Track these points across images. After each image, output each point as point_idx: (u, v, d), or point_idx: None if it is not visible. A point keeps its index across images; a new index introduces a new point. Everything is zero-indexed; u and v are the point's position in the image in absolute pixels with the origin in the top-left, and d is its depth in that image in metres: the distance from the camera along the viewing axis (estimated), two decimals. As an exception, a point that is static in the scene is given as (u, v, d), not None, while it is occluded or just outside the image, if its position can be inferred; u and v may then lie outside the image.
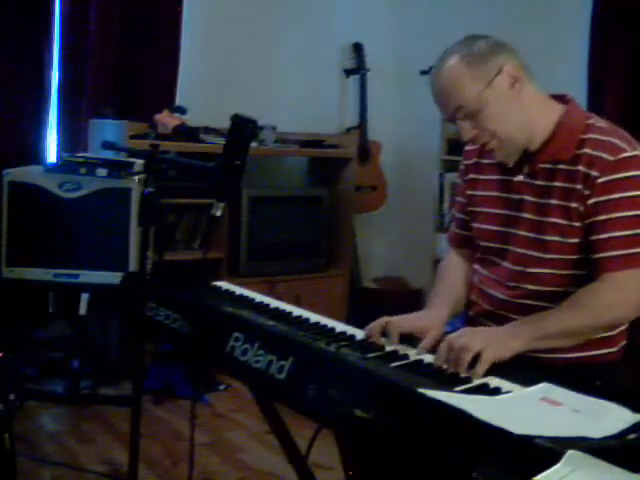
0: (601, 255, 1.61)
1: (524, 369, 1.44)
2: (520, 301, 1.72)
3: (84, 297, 3.31)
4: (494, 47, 1.66)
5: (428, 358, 1.50)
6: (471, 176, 1.89)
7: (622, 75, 3.59)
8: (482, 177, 1.85)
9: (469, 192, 1.89)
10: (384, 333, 1.62)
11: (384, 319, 1.65)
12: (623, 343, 1.76)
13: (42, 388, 3.40)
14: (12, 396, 2.04)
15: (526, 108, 1.67)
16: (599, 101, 3.62)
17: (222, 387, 3.55)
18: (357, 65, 4.72)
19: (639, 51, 3.54)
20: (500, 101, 1.64)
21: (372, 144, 4.70)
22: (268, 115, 3.80)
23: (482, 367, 1.41)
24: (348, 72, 4.77)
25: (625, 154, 1.60)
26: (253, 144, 3.60)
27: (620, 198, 1.60)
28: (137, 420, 1.86)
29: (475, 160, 1.87)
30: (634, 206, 1.60)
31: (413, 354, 1.54)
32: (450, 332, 1.59)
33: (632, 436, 1.08)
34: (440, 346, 1.49)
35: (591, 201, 1.61)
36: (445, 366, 1.45)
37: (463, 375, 1.41)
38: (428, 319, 1.71)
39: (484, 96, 1.62)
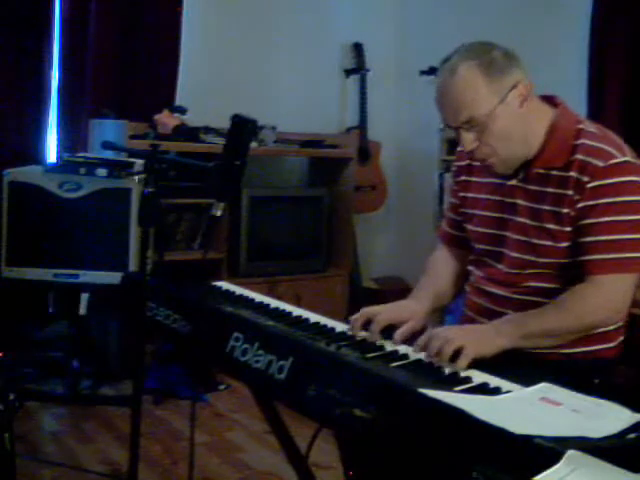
0: (587, 258, 1.62)
1: (523, 368, 1.44)
2: (522, 297, 1.71)
3: (84, 297, 3.31)
4: (511, 59, 1.63)
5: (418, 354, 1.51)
6: (464, 178, 1.88)
7: (622, 75, 3.59)
8: (475, 179, 1.85)
9: (461, 194, 1.89)
10: (366, 325, 1.64)
11: (365, 310, 1.66)
12: (621, 339, 1.76)
13: (42, 388, 3.40)
14: (12, 396, 2.03)
15: (528, 125, 1.66)
16: (599, 101, 3.62)
17: (222, 387, 3.55)
18: (357, 65, 4.71)
19: (639, 52, 3.54)
20: (508, 120, 1.62)
21: (372, 144, 4.70)
22: (268, 115, 3.80)
23: (464, 361, 1.42)
24: (348, 72, 4.77)
25: (615, 160, 1.60)
26: (253, 144, 3.62)
27: (608, 203, 1.60)
28: (137, 420, 1.86)
29: (468, 162, 1.87)
30: (622, 211, 1.60)
31: (389, 344, 1.57)
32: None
33: (632, 436, 1.08)
34: (422, 336, 1.52)
35: (580, 205, 1.61)
36: (422, 353, 1.47)
37: (442, 365, 1.43)
38: (408, 310, 1.73)
39: (495, 112, 1.60)
